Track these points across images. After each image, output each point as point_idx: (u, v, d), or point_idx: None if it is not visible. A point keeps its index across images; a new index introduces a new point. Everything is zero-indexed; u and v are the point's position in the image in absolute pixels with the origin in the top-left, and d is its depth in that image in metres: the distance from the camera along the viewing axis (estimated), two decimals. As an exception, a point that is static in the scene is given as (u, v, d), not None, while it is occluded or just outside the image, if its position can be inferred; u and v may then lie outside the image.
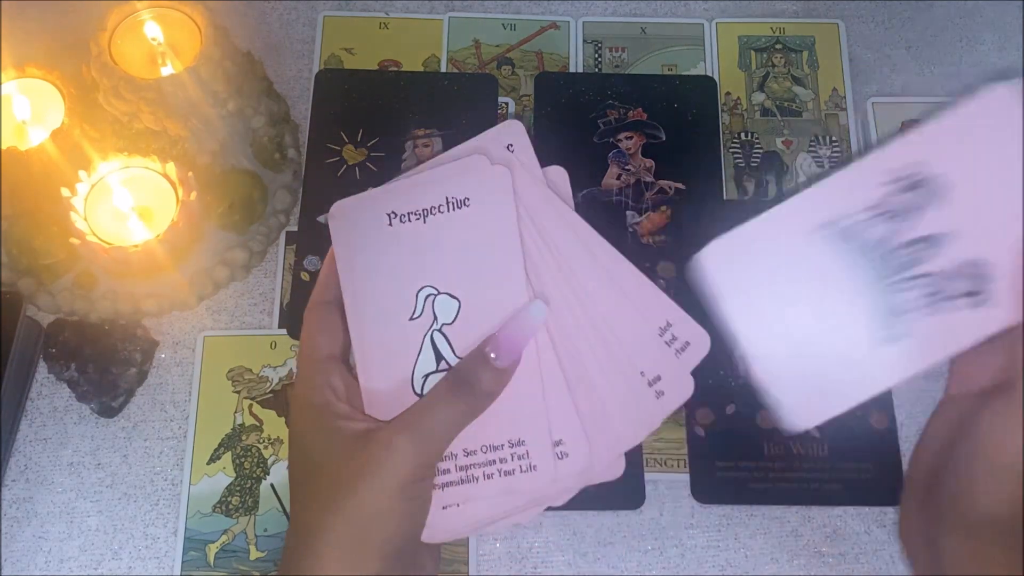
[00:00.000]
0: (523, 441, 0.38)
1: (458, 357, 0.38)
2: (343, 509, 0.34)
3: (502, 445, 0.38)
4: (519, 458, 0.38)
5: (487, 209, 0.39)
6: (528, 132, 0.41)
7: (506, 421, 0.38)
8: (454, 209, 0.40)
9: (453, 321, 0.39)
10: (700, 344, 0.38)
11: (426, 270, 0.39)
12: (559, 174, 0.41)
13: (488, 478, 0.38)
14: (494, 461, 0.38)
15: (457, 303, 0.39)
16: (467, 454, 0.38)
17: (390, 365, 0.39)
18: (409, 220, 0.40)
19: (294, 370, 0.57)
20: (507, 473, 0.38)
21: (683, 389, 0.38)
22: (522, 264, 0.38)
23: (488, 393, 0.37)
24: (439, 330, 0.39)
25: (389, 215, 0.40)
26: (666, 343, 0.39)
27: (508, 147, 0.41)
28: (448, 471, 0.38)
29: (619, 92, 0.64)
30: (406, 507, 0.35)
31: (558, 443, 0.38)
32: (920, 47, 0.69)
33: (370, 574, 0.34)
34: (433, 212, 0.40)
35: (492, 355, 0.37)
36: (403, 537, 0.35)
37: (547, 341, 0.38)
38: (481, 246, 0.39)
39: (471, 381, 0.37)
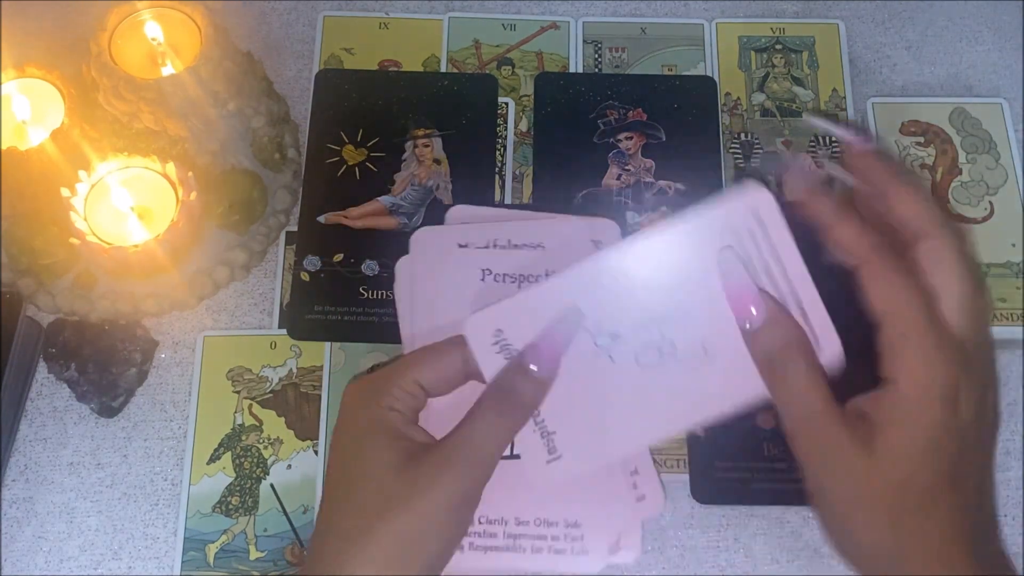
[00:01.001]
0: (580, 524, 0.37)
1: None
2: (394, 521, 0.34)
3: (558, 523, 0.37)
4: (572, 540, 0.37)
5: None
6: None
7: (566, 501, 0.37)
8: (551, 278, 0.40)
9: None
10: None
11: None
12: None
13: (536, 552, 0.37)
14: (546, 537, 0.37)
15: None
16: (519, 523, 0.37)
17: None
18: (504, 281, 0.42)
19: (294, 371, 0.57)
20: (557, 552, 0.37)
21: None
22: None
23: (529, 404, 0.36)
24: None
25: (483, 271, 0.43)
26: None
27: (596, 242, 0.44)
28: (495, 535, 0.37)
29: (619, 92, 0.64)
30: (452, 529, 0.35)
31: (616, 541, 0.38)
32: (920, 47, 0.69)
33: None
34: (529, 279, 0.42)
35: (532, 366, 0.36)
36: (442, 558, 0.35)
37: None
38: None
39: (511, 393, 0.36)
